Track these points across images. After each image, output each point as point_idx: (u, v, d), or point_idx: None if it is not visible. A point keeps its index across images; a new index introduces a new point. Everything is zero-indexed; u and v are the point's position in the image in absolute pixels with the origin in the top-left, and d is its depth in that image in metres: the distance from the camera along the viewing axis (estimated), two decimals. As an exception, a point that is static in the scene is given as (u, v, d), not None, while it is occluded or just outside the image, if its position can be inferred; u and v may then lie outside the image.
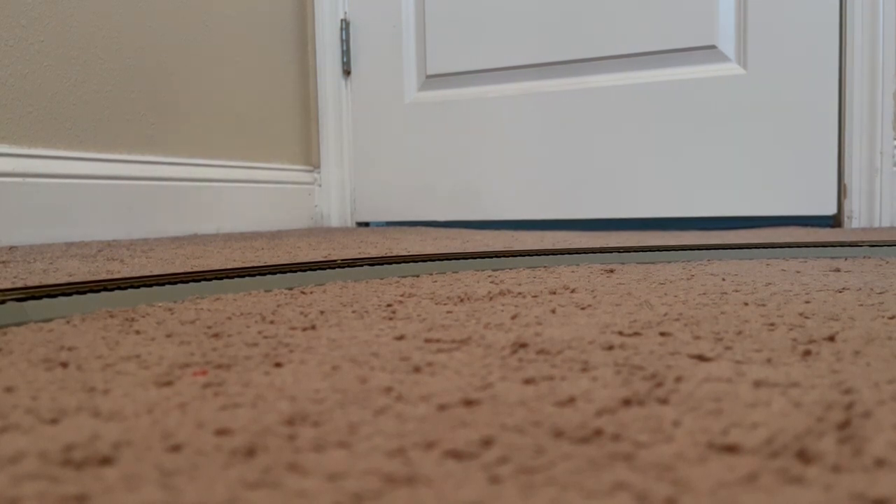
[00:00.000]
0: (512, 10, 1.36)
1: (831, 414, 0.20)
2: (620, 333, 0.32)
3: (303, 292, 0.48)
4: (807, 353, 0.28)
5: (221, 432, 0.19)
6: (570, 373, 0.25)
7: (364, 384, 0.24)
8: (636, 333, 0.32)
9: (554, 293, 0.46)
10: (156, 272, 0.59)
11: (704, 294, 0.44)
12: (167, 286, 0.44)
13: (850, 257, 0.67)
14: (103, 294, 0.41)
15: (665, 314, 0.37)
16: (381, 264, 0.57)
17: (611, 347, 0.29)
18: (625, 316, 0.37)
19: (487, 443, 0.18)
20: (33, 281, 0.53)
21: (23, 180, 0.94)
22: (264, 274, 0.50)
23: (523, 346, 0.29)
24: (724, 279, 0.52)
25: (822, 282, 0.50)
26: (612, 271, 0.59)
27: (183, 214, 1.18)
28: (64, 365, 0.27)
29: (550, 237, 1.05)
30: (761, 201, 1.22)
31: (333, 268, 0.54)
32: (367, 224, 1.54)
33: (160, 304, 0.43)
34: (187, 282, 0.46)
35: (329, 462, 0.17)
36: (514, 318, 0.37)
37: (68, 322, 0.37)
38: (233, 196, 1.29)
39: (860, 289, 0.46)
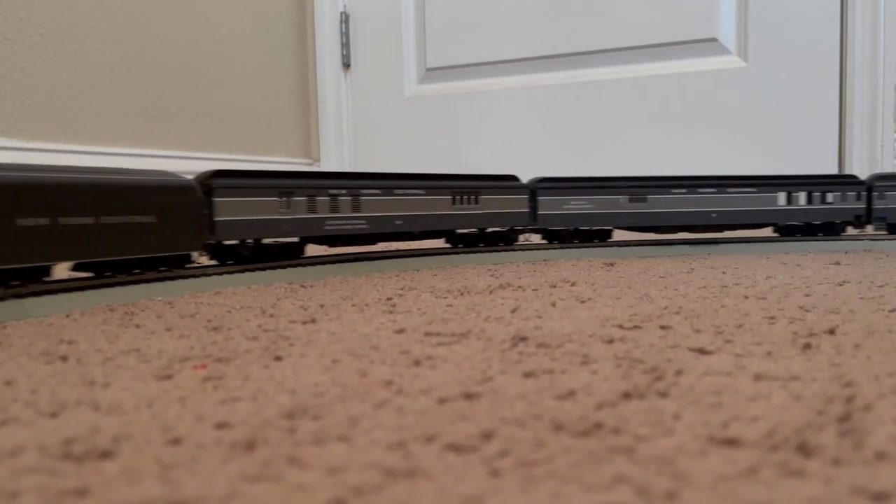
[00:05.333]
0: (512, 2, 1.35)
1: (832, 407, 0.20)
2: (621, 327, 0.32)
3: (302, 286, 0.48)
4: (807, 346, 0.28)
5: (221, 426, 0.19)
6: (571, 366, 0.25)
7: (364, 378, 0.24)
8: (636, 327, 0.32)
9: (554, 286, 0.46)
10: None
11: (705, 287, 0.44)
12: (167, 281, 0.44)
13: (850, 250, 0.67)
14: (103, 290, 0.41)
15: (665, 307, 0.37)
16: (382, 258, 0.57)
17: (611, 341, 0.29)
18: (625, 309, 0.37)
19: (487, 436, 0.18)
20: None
21: (22, 174, 0.93)
22: (263, 268, 0.50)
23: (523, 339, 0.29)
24: (724, 272, 0.52)
25: (822, 275, 0.50)
26: (612, 265, 0.58)
27: (182, 208, 1.18)
28: (63, 358, 0.27)
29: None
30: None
31: (333, 262, 0.54)
32: (366, 218, 1.54)
33: (160, 299, 0.43)
34: (187, 276, 0.46)
35: (329, 455, 0.17)
36: (514, 311, 0.37)
37: (68, 316, 0.37)
38: (232, 190, 1.29)
39: (860, 282, 0.46)
